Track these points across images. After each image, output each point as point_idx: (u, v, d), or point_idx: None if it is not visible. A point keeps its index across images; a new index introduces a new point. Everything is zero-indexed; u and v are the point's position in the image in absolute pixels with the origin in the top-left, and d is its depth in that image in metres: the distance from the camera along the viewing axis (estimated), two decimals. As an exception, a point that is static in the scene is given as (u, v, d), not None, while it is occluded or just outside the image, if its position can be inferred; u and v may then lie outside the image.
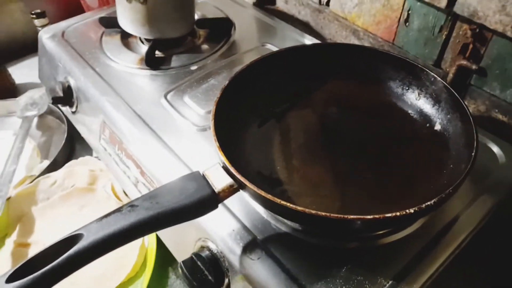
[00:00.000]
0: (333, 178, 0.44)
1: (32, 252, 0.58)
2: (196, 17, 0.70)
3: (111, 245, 0.35)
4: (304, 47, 0.57)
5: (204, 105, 0.56)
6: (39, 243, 0.59)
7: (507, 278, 0.52)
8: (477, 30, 0.50)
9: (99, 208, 0.61)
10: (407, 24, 0.57)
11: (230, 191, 0.37)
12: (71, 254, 0.33)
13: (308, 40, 0.68)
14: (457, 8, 0.49)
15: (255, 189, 0.35)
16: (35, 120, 0.80)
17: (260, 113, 0.51)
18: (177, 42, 0.67)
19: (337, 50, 0.53)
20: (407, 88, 0.50)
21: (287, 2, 0.76)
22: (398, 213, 0.33)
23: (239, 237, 0.41)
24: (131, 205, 0.36)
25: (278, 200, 0.34)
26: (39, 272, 0.31)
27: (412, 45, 0.58)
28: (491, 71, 0.51)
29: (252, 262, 0.39)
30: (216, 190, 0.36)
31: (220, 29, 0.70)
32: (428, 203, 0.33)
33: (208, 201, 0.36)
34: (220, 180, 0.37)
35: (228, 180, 0.37)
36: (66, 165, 0.67)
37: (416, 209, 0.33)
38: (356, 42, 0.66)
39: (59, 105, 0.74)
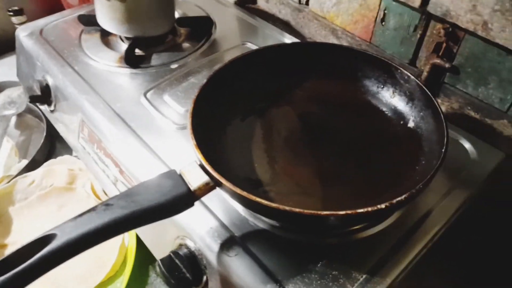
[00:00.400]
0: (311, 176, 0.45)
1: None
2: (176, 15, 0.70)
3: (86, 244, 0.35)
4: (283, 45, 0.58)
5: (184, 103, 0.56)
6: (16, 243, 0.59)
7: (479, 272, 0.53)
8: (450, 29, 0.51)
9: (79, 207, 0.60)
10: (383, 23, 0.58)
11: (206, 189, 0.37)
12: (44, 254, 0.33)
13: (288, 39, 0.68)
14: (430, 8, 0.50)
15: (231, 186, 0.36)
16: (14, 119, 0.79)
17: (239, 111, 0.51)
18: (157, 40, 0.66)
19: (315, 49, 0.54)
20: (382, 86, 0.51)
21: (268, 1, 0.77)
22: (369, 209, 0.33)
23: (217, 235, 0.41)
24: (106, 204, 0.36)
25: (253, 197, 0.35)
26: (12, 272, 0.31)
27: (389, 44, 0.59)
28: (464, 70, 0.52)
29: (229, 259, 0.40)
30: (191, 188, 0.37)
31: (201, 27, 0.70)
32: (399, 198, 0.34)
33: (183, 199, 0.36)
34: (196, 178, 0.37)
35: (204, 178, 0.37)
36: (45, 164, 0.66)
37: (387, 204, 0.34)
38: (335, 41, 0.67)
39: (37, 104, 0.73)
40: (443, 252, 0.46)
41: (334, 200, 0.42)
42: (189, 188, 0.36)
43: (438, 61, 0.52)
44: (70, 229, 0.34)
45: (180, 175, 0.38)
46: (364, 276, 0.38)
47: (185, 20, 0.71)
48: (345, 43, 0.65)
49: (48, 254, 0.33)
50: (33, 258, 0.32)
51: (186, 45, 0.67)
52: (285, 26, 0.75)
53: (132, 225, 0.36)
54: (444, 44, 0.52)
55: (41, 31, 0.71)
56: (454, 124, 0.53)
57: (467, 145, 0.51)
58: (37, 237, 0.34)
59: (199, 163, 0.38)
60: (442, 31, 0.52)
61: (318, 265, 0.39)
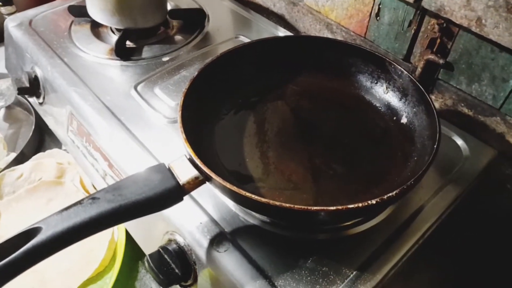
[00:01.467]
0: (303, 171, 0.44)
1: (-3, 247, 0.57)
2: (169, 7, 0.69)
3: (72, 238, 0.34)
4: (276, 39, 0.57)
5: (175, 96, 0.55)
6: (3, 238, 0.57)
7: (470, 268, 0.53)
8: (444, 25, 0.50)
9: (67, 201, 0.58)
10: (378, 18, 0.58)
11: (195, 183, 0.37)
12: (29, 248, 0.32)
13: (282, 32, 0.67)
14: (425, 3, 0.50)
15: (221, 181, 0.35)
16: (2, 111, 0.78)
17: (231, 105, 0.50)
18: (149, 32, 0.65)
19: (309, 43, 0.53)
20: (376, 81, 0.50)
21: (262, -6, 0.76)
22: (360, 204, 0.33)
23: (207, 230, 0.41)
24: (93, 198, 0.35)
25: (243, 192, 0.34)
26: (-5, 266, 0.30)
27: (383, 39, 0.59)
28: (457, 66, 0.52)
29: (219, 254, 0.39)
30: (180, 182, 0.36)
31: (194, 20, 0.69)
32: (390, 194, 0.34)
33: (172, 193, 0.36)
34: (185, 172, 0.37)
35: (194, 172, 0.37)
36: (33, 157, 0.65)
37: (378, 200, 0.34)
38: (329, 35, 0.66)
39: (26, 96, 0.72)
40: (434, 249, 0.46)
41: (325, 196, 0.42)
42: (178, 182, 0.36)
43: (432, 57, 0.52)
44: (56, 222, 0.34)
45: (169, 169, 0.37)
46: (354, 273, 0.38)
47: (177, 12, 0.70)
48: (339, 38, 0.64)
49: (33, 248, 0.32)
50: (18, 252, 0.31)
51: (178, 37, 0.66)
52: (280, 20, 0.74)
53: (119, 219, 0.35)
54: (438, 40, 0.52)
55: (30, 22, 0.69)
56: (447, 120, 0.53)
57: (459, 141, 0.50)
58: (22, 230, 0.33)
59: (188, 157, 0.38)
60: (436, 26, 0.51)
61: (309, 261, 0.39)
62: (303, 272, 0.38)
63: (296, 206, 0.33)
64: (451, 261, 0.54)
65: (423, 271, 0.49)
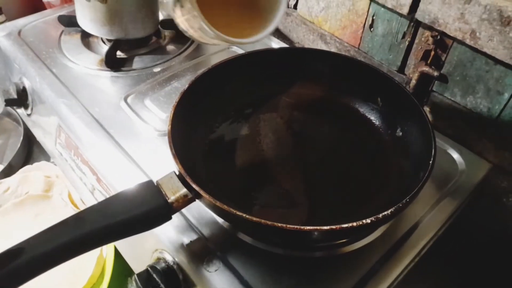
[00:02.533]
0: (296, 187, 0.43)
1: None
2: (161, 17, 0.68)
3: (56, 260, 0.33)
4: (269, 50, 0.57)
5: (166, 108, 0.54)
6: (-12, 254, 0.56)
7: (467, 283, 0.52)
8: (438, 37, 0.50)
9: (55, 216, 0.58)
10: (371, 29, 0.57)
11: (184, 201, 0.36)
12: (10, 270, 0.31)
13: (276, 43, 0.67)
14: (418, 15, 0.49)
15: (211, 199, 0.34)
16: (-10, 122, 0.76)
17: (222, 118, 0.49)
18: (140, 42, 0.64)
19: (303, 55, 0.53)
20: (370, 94, 0.50)
21: (255, 4, 0.75)
22: (354, 224, 0.32)
23: (197, 248, 0.40)
24: (77, 217, 0.34)
25: (233, 211, 0.33)
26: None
27: (377, 50, 0.58)
28: (452, 78, 0.52)
29: (209, 274, 0.38)
30: (169, 200, 0.35)
31: (186, 30, 0.68)
32: (385, 213, 0.33)
33: (160, 211, 0.34)
34: (174, 189, 0.36)
35: (183, 190, 0.36)
36: (20, 170, 0.64)
37: (373, 219, 0.33)
38: (323, 46, 0.65)
39: (14, 107, 0.71)
40: (431, 264, 0.45)
41: (319, 213, 0.41)
42: (166, 201, 0.35)
43: (426, 69, 0.52)
44: (39, 243, 0.32)
45: (157, 186, 0.36)
46: (349, 292, 0.37)
47: (169, 22, 0.68)
48: (333, 49, 0.64)
49: (15, 270, 0.31)
50: (-2, 274, 0.30)
51: (170, 48, 0.65)
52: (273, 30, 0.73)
53: (106, 240, 0.34)
54: (433, 52, 0.52)
55: (19, 32, 0.68)
56: (442, 133, 0.53)
57: (455, 155, 0.50)
58: (4, 251, 0.32)
59: (177, 173, 0.37)
60: (430, 38, 0.51)
61: (302, 280, 0.38)
62: (296, 292, 0.37)
63: (288, 226, 0.32)
64: (449, 275, 0.53)
65: (420, 287, 0.48)
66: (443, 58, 0.51)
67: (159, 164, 0.47)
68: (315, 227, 0.32)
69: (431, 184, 0.46)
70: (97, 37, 0.65)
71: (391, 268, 0.39)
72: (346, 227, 0.32)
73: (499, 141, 0.50)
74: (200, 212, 0.42)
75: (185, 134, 0.42)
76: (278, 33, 0.73)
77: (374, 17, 0.56)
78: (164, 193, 0.35)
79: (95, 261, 0.53)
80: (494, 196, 0.53)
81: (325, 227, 0.32)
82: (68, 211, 0.59)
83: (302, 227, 0.32)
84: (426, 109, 0.56)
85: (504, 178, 0.51)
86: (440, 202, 0.45)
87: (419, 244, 0.42)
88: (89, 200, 0.54)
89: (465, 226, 0.49)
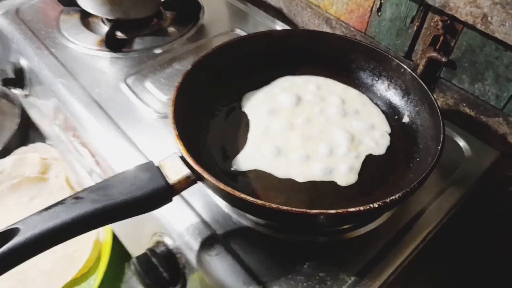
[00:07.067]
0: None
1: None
2: (163, -3, 0.66)
3: (52, 241, 0.32)
4: (274, 32, 0.55)
5: (167, 91, 0.53)
6: (-16, 237, 0.55)
7: (471, 271, 0.52)
8: (448, 21, 0.49)
9: (52, 199, 0.56)
10: (379, 13, 0.56)
11: (186, 183, 0.35)
12: (5, 251, 0.30)
13: (280, 26, 0.65)
14: (429, -1, 0.48)
15: (214, 181, 0.33)
16: (-14, 103, 0.74)
17: (225, 100, 0.48)
18: (141, 23, 0.63)
19: (308, 37, 0.51)
20: (377, 78, 0.49)
21: (259, -13, 0.73)
22: (361, 208, 0.31)
23: (198, 232, 0.39)
24: (76, 197, 0.33)
25: (237, 194, 0.32)
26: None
27: (384, 35, 0.57)
28: (460, 64, 0.50)
29: (210, 258, 0.37)
30: (170, 182, 0.34)
31: (188, 11, 0.67)
32: (392, 197, 0.32)
33: (160, 193, 0.33)
34: (176, 171, 0.35)
35: (185, 171, 0.35)
36: (16, 152, 0.62)
37: (381, 203, 0.32)
38: (329, 30, 0.64)
39: (11, 88, 0.69)
40: (436, 252, 0.45)
41: (324, 197, 0.40)
42: (167, 182, 0.34)
43: (434, 54, 0.50)
44: (35, 223, 0.31)
45: (158, 168, 0.35)
46: (353, 278, 0.36)
47: (171, 3, 0.67)
48: (339, 33, 0.62)
49: (10, 250, 0.30)
50: (-7, 255, 0.29)
51: (171, 29, 0.64)
52: (277, 14, 0.72)
53: (104, 221, 0.33)
54: (442, 37, 0.50)
55: (17, 11, 0.67)
56: (448, 120, 0.52)
57: (461, 142, 0.49)
58: (-1, 231, 0.31)
59: (180, 154, 0.35)
60: (440, 23, 0.49)
61: (305, 266, 0.37)
62: (298, 277, 0.36)
63: (293, 209, 0.31)
64: (453, 264, 0.52)
65: (424, 274, 0.47)
66: (452, 44, 0.50)
67: (159, 146, 0.46)
68: (321, 211, 0.31)
69: (437, 171, 0.44)
70: (97, 17, 0.64)
71: (396, 254, 0.39)
72: (354, 211, 0.31)
73: (506, 129, 0.49)
74: (201, 195, 0.42)
75: (187, 116, 0.41)
76: (283, 17, 0.71)
77: (382, 1, 0.54)
78: (165, 174, 0.34)
79: (92, 245, 0.53)
80: (500, 184, 0.52)
81: (332, 211, 0.31)
82: (65, 194, 0.58)
83: (308, 211, 0.31)
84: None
85: (511, 166, 0.51)
86: (446, 189, 0.44)
87: (424, 231, 0.41)
88: (87, 183, 0.53)
89: (470, 215, 0.49)
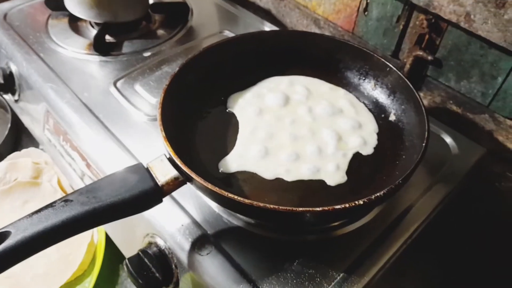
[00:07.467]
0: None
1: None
2: (151, 0, 0.66)
3: (43, 243, 0.32)
4: (262, 33, 0.56)
5: (156, 93, 0.53)
6: (-24, 242, 0.55)
7: (458, 267, 0.53)
8: (433, 20, 0.49)
9: (44, 203, 0.56)
10: (366, 13, 0.56)
11: (175, 184, 0.35)
12: (-5, 254, 0.30)
13: (269, 27, 0.66)
14: (413, -2, 0.49)
15: (202, 182, 0.33)
16: (-23, 109, 0.74)
17: (213, 102, 0.48)
18: (129, 26, 0.63)
19: (295, 38, 0.52)
20: (363, 78, 0.49)
21: (248, -11, 0.74)
22: (347, 205, 0.32)
23: (188, 232, 0.39)
24: (65, 200, 0.33)
25: (225, 193, 0.33)
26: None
27: (372, 35, 0.58)
28: (446, 62, 0.51)
29: (201, 258, 0.37)
30: (159, 183, 0.34)
31: (177, 14, 0.67)
32: (378, 194, 0.33)
33: (150, 194, 0.34)
34: (164, 172, 0.35)
35: (173, 172, 0.35)
36: (8, 157, 0.62)
37: (366, 200, 0.32)
38: (317, 31, 0.65)
39: (1, 93, 0.69)
40: (423, 248, 0.45)
41: (311, 196, 0.40)
42: (156, 183, 0.34)
43: (420, 53, 0.51)
44: (25, 226, 0.32)
45: (147, 169, 0.35)
46: (341, 275, 0.37)
47: (160, 6, 0.67)
48: (327, 33, 0.63)
49: (1, 253, 0.30)
50: (-17, 258, 0.29)
51: (160, 32, 0.64)
52: (266, 15, 0.73)
53: (94, 223, 0.34)
54: (427, 36, 0.51)
55: (5, 16, 0.67)
56: (435, 118, 0.52)
57: (448, 139, 0.50)
58: (-12, 235, 0.31)
59: (168, 156, 0.36)
60: (425, 22, 0.50)
61: (294, 263, 0.37)
62: (288, 275, 0.37)
63: (281, 207, 0.31)
64: (440, 260, 0.53)
65: (412, 271, 0.48)
66: (437, 42, 0.51)
67: (149, 149, 0.47)
68: (308, 209, 0.32)
69: (424, 168, 0.46)
70: (85, 21, 0.64)
71: (383, 251, 0.39)
72: (339, 208, 0.31)
73: (492, 125, 0.50)
74: (192, 196, 0.42)
75: (175, 118, 0.42)
76: (271, 18, 0.72)
77: (368, 1, 0.55)
78: (154, 175, 0.34)
79: (86, 247, 0.53)
80: (487, 181, 0.53)
81: (318, 209, 0.31)
82: (57, 198, 0.58)
83: (295, 209, 0.31)
84: (420, 94, 0.55)
85: (497, 163, 0.52)
86: (433, 186, 0.45)
87: (411, 227, 0.42)
88: (79, 186, 0.53)
89: (458, 211, 0.49)
